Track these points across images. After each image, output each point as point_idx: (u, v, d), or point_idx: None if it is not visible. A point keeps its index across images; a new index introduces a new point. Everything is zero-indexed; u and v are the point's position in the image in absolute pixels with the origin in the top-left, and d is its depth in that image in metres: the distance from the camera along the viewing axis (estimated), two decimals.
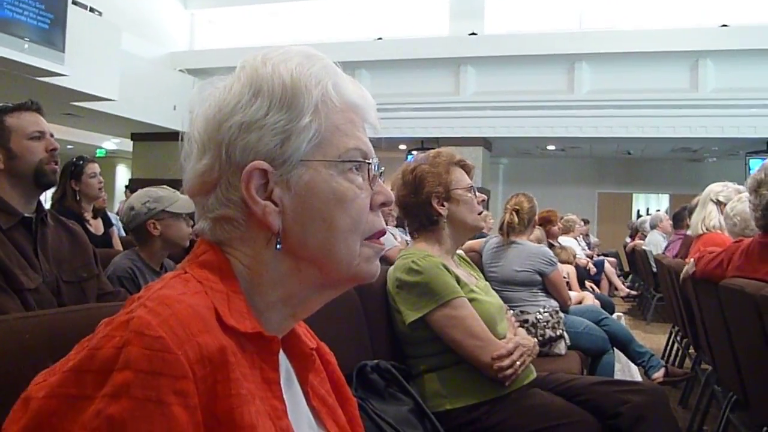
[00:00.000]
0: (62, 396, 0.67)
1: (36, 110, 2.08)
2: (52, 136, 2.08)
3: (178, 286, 0.77)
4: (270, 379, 0.81)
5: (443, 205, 2.10)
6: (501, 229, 3.75)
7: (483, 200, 2.19)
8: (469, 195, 2.12)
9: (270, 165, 0.81)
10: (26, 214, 2.01)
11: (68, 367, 0.69)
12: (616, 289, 9.02)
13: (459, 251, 2.32)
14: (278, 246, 0.82)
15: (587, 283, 6.91)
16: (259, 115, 0.81)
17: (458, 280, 2.02)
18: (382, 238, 0.90)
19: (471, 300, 2.00)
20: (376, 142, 0.90)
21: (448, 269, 2.02)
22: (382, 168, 0.91)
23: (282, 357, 0.88)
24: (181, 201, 2.70)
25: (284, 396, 0.82)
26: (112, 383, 0.65)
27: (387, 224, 4.73)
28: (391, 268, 2.13)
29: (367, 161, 0.86)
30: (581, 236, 9.37)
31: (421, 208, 2.11)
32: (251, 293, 0.83)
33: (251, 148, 0.81)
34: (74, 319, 0.97)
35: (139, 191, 2.78)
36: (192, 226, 2.71)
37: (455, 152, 2.22)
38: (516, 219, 3.67)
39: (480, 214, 2.16)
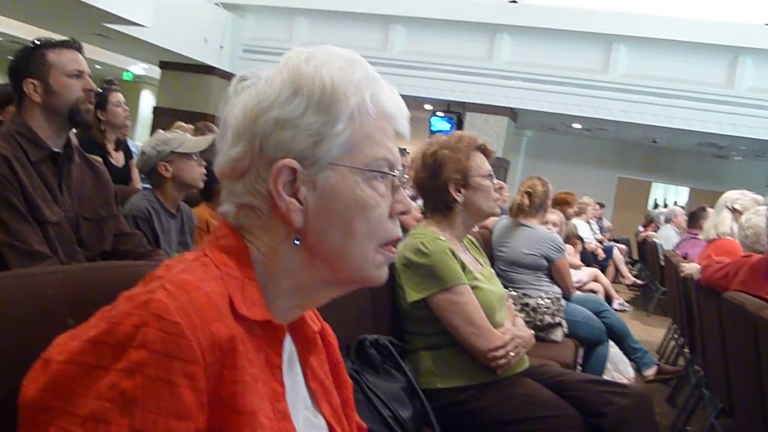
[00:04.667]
0: (80, 363, 0.72)
1: (77, 49, 2.11)
2: (90, 76, 2.11)
3: (197, 271, 0.81)
4: (273, 363, 0.85)
5: (460, 192, 2.12)
6: (511, 209, 3.80)
7: (500, 187, 2.21)
8: (487, 183, 2.13)
9: (300, 164, 0.84)
10: (55, 149, 2.05)
11: (88, 337, 0.74)
12: (623, 276, 9.05)
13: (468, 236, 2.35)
14: (297, 242, 0.86)
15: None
16: (295, 114, 0.84)
17: (463, 267, 2.06)
18: None
19: (473, 287, 2.04)
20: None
21: (455, 254, 2.05)
22: (406, 176, 0.93)
23: (286, 337, 0.92)
24: (189, 142, 2.73)
25: (284, 378, 0.87)
26: (128, 359, 0.70)
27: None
28: (401, 245, 2.16)
29: (392, 173, 0.89)
30: (594, 219, 9.35)
31: (437, 192, 2.13)
32: (265, 280, 0.87)
33: (284, 145, 0.84)
34: (96, 277, 1.01)
35: (150, 137, 2.82)
36: (204, 167, 2.75)
37: (476, 134, 2.23)
38: (527, 201, 3.72)
39: (495, 201, 2.18)
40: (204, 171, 2.76)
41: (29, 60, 2.05)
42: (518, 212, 3.75)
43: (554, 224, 4.47)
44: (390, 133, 0.90)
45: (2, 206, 1.85)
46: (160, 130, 2.85)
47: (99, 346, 0.72)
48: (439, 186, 2.12)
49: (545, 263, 3.60)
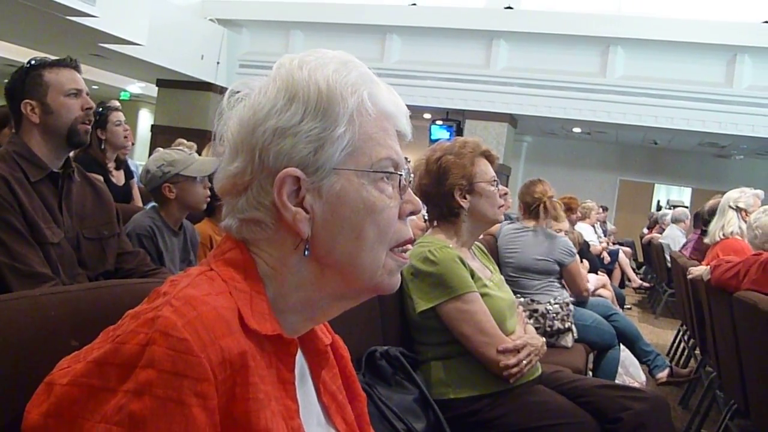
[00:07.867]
0: (85, 386, 0.69)
1: (74, 67, 2.09)
2: (87, 94, 2.09)
3: (203, 285, 0.78)
4: (285, 379, 0.83)
5: (465, 198, 2.10)
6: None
7: (505, 193, 2.19)
8: (492, 188, 2.11)
9: (303, 172, 0.81)
10: (54, 169, 2.03)
11: (92, 358, 0.71)
12: (629, 279, 9.00)
13: (476, 242, 2.32)
14: (306, 252, 0.83)
15: (599, 272, 6.88)
16: (293, 122, 0.81)
17: (472, 274, 2.03)
18: None
19: (482, 295, 2.01)
20: None
21: (463, 262, 2.02)
22: (412, 175, 0.91)
23: (297, 352, 0.90)
24: (195, 164, 2.68)
25: (297, 394, 0.84)
26: (136, 380, 0.67)
27: None
28: (407, 254, 2.13)
29: (398, 173, 0.86)
30: (598, 223, 9.32)
31: (443, 198, 2.11)
32: (273, 294, 0.84)
33: (285, 154, 0.81)
34: (99, 296, 0.99)
35: (156, 153, 2.76)
36: (209, 188, 2.72)
37: (480, 140, 2.21)
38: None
39: (500, 207, 2.16)
40: (208, 193, 2.73)
41: (26, 81, 2.02)
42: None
43: (565, 231, 4.45)
44: (391, 132, 0.87)
45: (2, 228, 1.83)
46: (159, 148, 2.81)
47: (104, 367, 0.70)
48: (444, 192, 2.09)
49: (557, 268, 3.56)
